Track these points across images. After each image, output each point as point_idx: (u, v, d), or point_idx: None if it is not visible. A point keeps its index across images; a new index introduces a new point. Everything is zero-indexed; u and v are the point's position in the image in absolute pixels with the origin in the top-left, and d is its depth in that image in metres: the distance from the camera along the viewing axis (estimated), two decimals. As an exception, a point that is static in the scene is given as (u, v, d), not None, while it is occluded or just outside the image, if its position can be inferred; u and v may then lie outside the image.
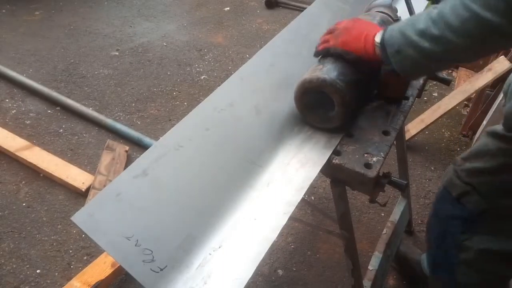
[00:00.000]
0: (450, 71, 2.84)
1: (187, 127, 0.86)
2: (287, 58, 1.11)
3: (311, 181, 0.82)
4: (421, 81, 1.09)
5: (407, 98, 1.02)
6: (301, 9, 3.39)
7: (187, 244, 0.71)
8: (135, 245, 0.68)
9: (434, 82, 2.21)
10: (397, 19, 1.09)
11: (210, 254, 0.71)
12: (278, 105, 0.98)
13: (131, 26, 3.16)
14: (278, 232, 0.73)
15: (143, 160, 0.78)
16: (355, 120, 0.95)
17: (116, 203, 0.71)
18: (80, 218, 0.68)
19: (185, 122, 0.87)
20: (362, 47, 0.86)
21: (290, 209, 0.77)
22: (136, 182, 0.75)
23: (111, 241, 0.67)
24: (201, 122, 0.88)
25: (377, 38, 0.84)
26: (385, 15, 1.07)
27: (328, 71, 0.87)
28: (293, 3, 3.52)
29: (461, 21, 0.69)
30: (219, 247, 0.73)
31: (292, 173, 0.84)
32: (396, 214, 1.54)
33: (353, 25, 0.91)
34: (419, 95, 1.10)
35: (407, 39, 0.77)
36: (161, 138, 0.83)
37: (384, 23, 1.03)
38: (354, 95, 0.89)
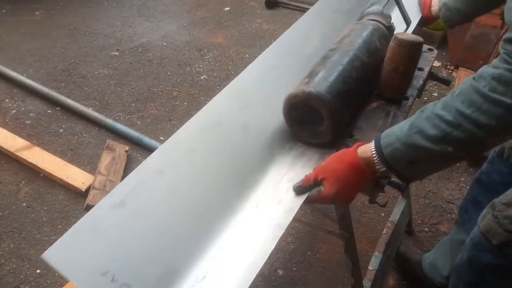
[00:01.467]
0: (450, 71, 2.84)
1: (171, 149, 0.82)
2: (278, 72, 1.06)
3: (302, 201, 0.79)
4: (421, 81, 1.09)
5: (407, 99, 1.02)
6: (301, 9, 3.39)
7: (168, 277, 0.68)
8: (111, 281, 0.63)
9: (434, 82, 2.21)
10: (389, 25, 1.06)
11: (193, 287, 0.68)
12: (269, 122, 0.94)
13: (131, 26, 3.16)
14: (266, 258, 0.70)
15: (121, 189, 0.73)
16: (355, 120, 0.95)
17: (91, 236, 0.67)
18: (52, 254, 0.63)
19: (169, 144, 0.82)
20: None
21: (279, 233, 0.73)
22: (113, 213, 0.70)
23: (85, 278, 0.63)
24: (186, 143, 0.84)
25: (377, 166, 0.76)
26: (376, 22, 1.04)
27: (315, 84, 0.84)
28: (293, 3, 3.51)
29: (497, 119, 0.64)
30: (203, 278, 0.69)
31: (282, 193, 0.81)
32: (396, 214, 1.54)
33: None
34: (419, 95, 1.10)
35: (422, 149, 0.70)
36: (142, 162, 0.78)
37: (375, 31, 1.01)
38: (344, 108, 0.86)
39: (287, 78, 1.03)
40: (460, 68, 2.73)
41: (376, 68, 1.00)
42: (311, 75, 0.89)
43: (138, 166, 0.77)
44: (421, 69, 1.13)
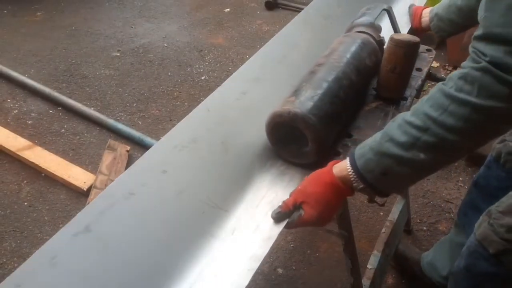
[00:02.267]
0: (448, 72, 2.85)
1: (142, 170, 0.77)
2: (261, 84, 1.01)
3: (280, 229, 0.75)
4: (419, 81, 1.10)
5: (405, 99, 1.03)
6: (300, 10, 3.39)
7: None
8: None
9: (433, 82, 2.22)
10: (380, 40, 1.03)
11: None
12: (249, 138, 0.89)
13: (132, 27, 3.17)
14: None
15: (85, 214, 0.67)
16: (354, 120, 0.96)
17: (50, 268, 0.61)
18: None
19: (139, 165, 0.77)
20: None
21: (255, 265, 0.68)
22: (76, 241, 0.64)
23: None
24: (158, 163, 0.78)
25: (351, 177, 0.74)
26: (366, 35, 1.02)
27: (301, 104, 0.81)
28: (293, 4, 3.53)
29: (464, 120, 0.62)
30: None
31: (260, 218, 0.76)
32: (394, 213, 1.55)
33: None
34: (417, 96, 1.11)
35: (393, 157, 0.68)
36: (109, 185, 0.74)
37: (364, 46, 0.99)
38: (330, 130, 0.83)
39: (271, 91, 0.98)
40: (458, 68, 2.75)
41: (366, 85, 1.00)
42: (297, 93, 0.85)
43: (104, 190, 0.72)
44: (419, 70, 1.14)
